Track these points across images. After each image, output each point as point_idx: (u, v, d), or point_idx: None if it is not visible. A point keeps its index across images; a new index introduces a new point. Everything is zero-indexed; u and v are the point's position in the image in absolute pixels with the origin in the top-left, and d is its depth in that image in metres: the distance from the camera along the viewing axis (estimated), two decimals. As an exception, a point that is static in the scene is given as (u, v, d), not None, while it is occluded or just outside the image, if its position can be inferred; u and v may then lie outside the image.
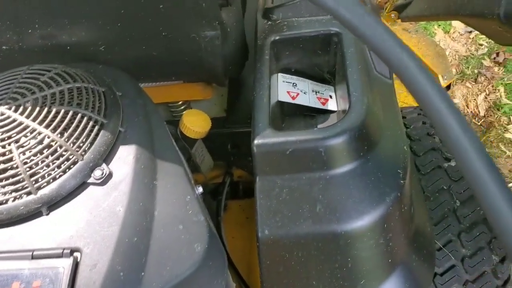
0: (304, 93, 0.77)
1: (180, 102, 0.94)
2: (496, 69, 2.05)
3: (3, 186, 0.56)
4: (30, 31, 0.71)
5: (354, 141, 0.62)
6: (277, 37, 0.76)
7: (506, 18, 0.82)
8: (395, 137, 0.68)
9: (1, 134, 0.58)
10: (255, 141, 0.62)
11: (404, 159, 0.66)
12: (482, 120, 1.88)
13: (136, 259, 0.53)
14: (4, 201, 0.55)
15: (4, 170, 0.56)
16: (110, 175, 0.58)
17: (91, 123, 0.60)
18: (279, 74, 0.78)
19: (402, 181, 0.64)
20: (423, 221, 0.77)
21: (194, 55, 0.74)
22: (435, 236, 0.83)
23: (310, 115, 0.77)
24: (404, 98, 1.43)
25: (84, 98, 0.62)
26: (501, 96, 1.94)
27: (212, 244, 0.57)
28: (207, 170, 0.90)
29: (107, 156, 0.60)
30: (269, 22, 0.80)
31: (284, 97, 0.74)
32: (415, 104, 1.31)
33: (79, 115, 0.60)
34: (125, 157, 0.60)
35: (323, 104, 0.77)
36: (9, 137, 0.57)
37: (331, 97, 0.78)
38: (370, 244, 0.63)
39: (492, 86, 1.98)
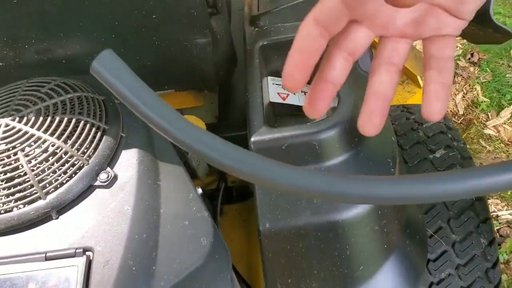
0: (294, 93, 0.80)
1: (173, 111, 0.97)
2: (471, 69, 2.12)
3: (13, 194, 0.58)
4: (26, 46, 0.73)
5: (345, 133, 0.65)
6: (265, 42, 0.80)
7: (477, 16, 0.87)
8: (383, 129, 0.71)
9: (7, 145, 0.60)
10: (252, 139, 0.65)
11: (393, 149, 0.69)
12: (462, 118, 1.94)
13: (147, 254, 0.55)
14: (14, 208, 0.57)
15: (12, 178, 0.58)
16: (115, 178, 0.60)
17: (93, 129, 0.63)
18: (269, 77, 0.81)
19: (392, 169, 0.67)
20: (414, 209, 0.80)
21: (187, 63, 0.77)
22: (426, 224, 0.87)
23: (301, 114, 0.81)
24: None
25: (85, 107, 0.65)
26: (478, 94, 2.01)
27: (216, 239, 0.60)
28: (203, 174, 0.93)
29: (111, 160, 0.62)
30: (256, 29, 0.84)
31: (275, 98, 0.78)
32: (400, 103, 1.36)
33: (82, 122, 0.62)
34: (128, 160, 0.63)
35: (312, 103, 0.80)
36: (15, 147, 0.60)
37: (319, 96, 0.81)
38: (366, 230, 0.66)
39: (469, 85, 2.05)
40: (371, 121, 0.39)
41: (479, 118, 1.92)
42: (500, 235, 1.57)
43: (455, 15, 0.38)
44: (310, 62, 0.38)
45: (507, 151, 1.79)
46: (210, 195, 1.09)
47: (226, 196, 1.12)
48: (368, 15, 0.38)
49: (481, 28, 0.94)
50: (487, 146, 1.82)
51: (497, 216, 1.61)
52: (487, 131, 1.86)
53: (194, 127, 0.33)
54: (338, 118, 0.66)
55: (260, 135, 0.65)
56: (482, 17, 0.87)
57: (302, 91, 0.83)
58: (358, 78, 0.77)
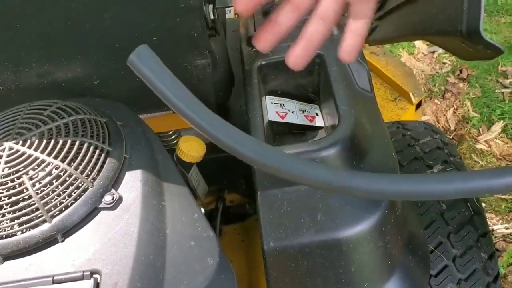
0: (292, 112, 0.81)
1: (171, 132, 0.97)
2: (461, 85, 2.16)
3: (18, 217, 0.57)
4: (27, 70, 0.74)
5: (346, 151, 0.66)
6: (263, 62, 0.81)
7: (468, 34, 0.88)
8: (383, 145, 0.73)
9: (11, 168, 0.60)
10: (254, 158, 0.65)
11: (394, 164, 0.70)
12: (454, 133, 1.96)
13: (154, 275, 0.55)
14: (19, 231, 0.57)
15: (17, 202, 0.58)
16: (120, 199, 0.60)
17: (97, 151, 0.63)
18: (267, 96, 0.82)
19: (393, 186, 0.68)
20: (415, 225, 0.81)
21: (187, 84, 0.77)
22: (426, 239, 0.87)
23: (299, 132, 0.82)
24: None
25: (88, 129, 0.65)
26: (468, 110, 2.04)
27: (222, 258, 0.60)
28: (203, 194, 0.93)
29: (115, 181, 0.62)
30: (254, 49, 0.85)
31: (273, 117, 0.79)
32: (393, 119, 1.37)
33: (85, 145, 0.62)
34: (133, 182, 0.63)
35: (311, 121, 0.81)
36: (19, 170, 0.59)
37: (317, 114, 0.82)
38: (370, 247, 0.66)
39: (459, 101, 2.08)
40: (295, 59, 0.51)
41: (471, 133, 1.94)
42: (496, 249, 1.57)
43: None
44: None
45: (499, 165, 1.82)
46: (208, 215, 1.09)
47: (224, 216, 1.12)
48: None
49: (471, 46, 0.96)
50: (480, 161, 1.84)
51: (492, 230, 1.62)
52: (479, 146, 1.89)
53: (223, 122, 0.34)
54: (339, 135, 0.66)
55: (262, 154, 0.65)
56: (473, 34, 0.89)
57: (300, 110, 0.84)
58: (357, 95, 0.78)
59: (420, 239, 0.79)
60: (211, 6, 0.73)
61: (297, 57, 0.51)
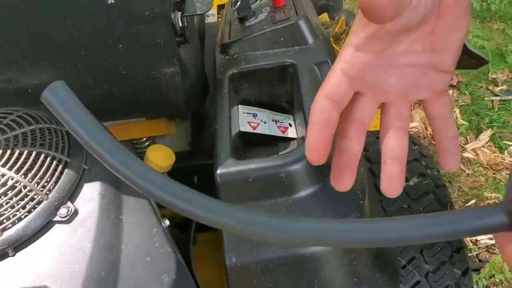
0: (264, 122, 0.80)
1: (144, 139, 0.95)
2: (450, 91, 2.14)
3: (-33, 230, 0.56)
4: (-10, 76, 0.72)
5: (313, 166, 0.65)
6: (235, 71, 0.79)
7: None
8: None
9: (-36, 178, 0.58)
10: (218, 171, 0.64)
11: (362, 180, 0.69)
12: (441, 141, 1.95)
13: (105, 293, 0.53)
14: (-32, 245, 0.55)
15: (-33, 214, 0.56)
16: (76, 213, 0.59)
17: (54, 162, 0.61)
18: (239, 106, 0.80)
19: (361, 202, 0.66)
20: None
21: (156, 92, 0.76)
22: (399, 253, 0.86)
23: (272, 143, 0.80)
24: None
25: (47, 139, 0.63)
26: (457, 117, 2.02)
27: (180, 275, 0.58)
28: (174, 203, 0.91)
29: (72, 194, 0.61)
30: (227, 57, 0.83)
31: (245, 127, 0.77)
32: (373, 129, 1.35)
33: (43, 155, 0.61)
34: (90, 194, 0.61)
35: (283, 132, 0.79)
36: (-28, 181, 0.58)
37: (290, 125, 0.81)
38: (335, 264, 0.65)
39: (448, 108, 2.06)
40: (392, 184, 0.43)
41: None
42: (480, 260, 1.56)
43: (439, 69, 0.42)
44: (328, 133, 0.41)
45: (486, 174, 1.80)
46: (183, 224, 1.07)
47: (200, 224, 1.10)
48: (368, 86, 0.43)
49: (457, 55, 0.95)
50: (466, 170, 1.82)
51: (476, 240, 1.61)
52: (466, 154, 1.87)
53: (136, 162, 0.33)
54: (305, 150, 0.65)
55: (226, 168, 0.64)
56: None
57: (273, 120, 0.82)
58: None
59: (390, 255, 0.77)
60: (179, 14, 0.71)
61: (397, 188, 0.44)
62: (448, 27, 0.40)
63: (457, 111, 2.05)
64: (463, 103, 2.08)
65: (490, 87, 2.14)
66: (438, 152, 0.46)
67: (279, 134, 0.79)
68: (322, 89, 0.42)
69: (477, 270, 1.52)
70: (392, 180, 0.43)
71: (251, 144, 0.80)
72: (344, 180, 0.44)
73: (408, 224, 0.31)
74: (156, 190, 0.32)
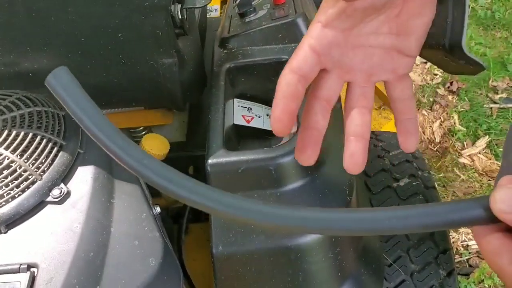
0: (259, 117, 0.81)
1: (141, 128, 0.97)
2: (450, 97, 2.16)
3: (-38, 206, 0.57)
4: (-7, 58, 0.74)
5: (302, 160, 0.66)
6: (232, 65, 0.80)
7: (450, 48, 0.88)
8: (341, 157, 0.72)
9: (-39, 156, 0.60)
10: (209, 161, 0.65)
11: (350, 176, 0.70)
12: (438, 146, 1.96)
13: (92, 273, 0.55)
14: (-38, 220, 0.57)
15: (-37, 191, 0.58)
16: (68, 194, 0.60)
17: (50, 144, 0.63)
18: (235, 99, 0.82)
19: (348, 198, 0.68)
20: (372, 237, 0.81)
21: (153, 81, 0.78)
22: (385, 252, 0.87)
23: (265, 137, 0.81)
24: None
25: (44, 121, 0.65)
26: (455, 123, 2.04)
27: (166, 259, 0.60)
28: (167, 192, 0.93)
29: (66, 176, 0.62)
30: (225, 51, 0.85)
31: (239, 120, 0.78)
32: (375, 129, 1.37)
33: (39, 137, 0.62)
34: (83, 177, 0.63)
35: (277, 127, 0.81)
36: (-31, 159, 0.59)
37: (284, 120, 0.82)
38: (319, 257, 0.66)
39: (447, 113, 2.08)
40: (354, 161, 0.45)
41: (455, 147, 1.94)
42: (470, 265, 1.58)
43: (403, 53, 0.44)
44: (293, 106, 0.42)
45: (481, 180, 1.82)
46: (176, 213, 1.09)
47: (193, 214, 1.11)
48: (335, 63, 0.44)
49: (453, 60, 0.96)
50: (461, 175, 1.84)
51: (467, 245, 1.62)
52: (462, 160, 1.89)
53: (133, 147, 0.35)
54: (294, 144, 0.66)
55: (216, 158, 0.65)
56: (455, 49, 0.89)
57: (267, 115, 0.84)
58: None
59: (376, 252, 0.79)
60: (179, 6, 0.72)
61: (359, 164, 0.46)
62: (413, 12, 0.42)
63: (456, 116, 2.06)
64: (462, 109, 2.09)
65: (490, 95, 2.15)
66: (398, 132, 0.47)
67: (273, 128, 0.80)
68: (290, 63, 0.43)
69: (467, 275, 1.54)
70: (355, 157, 0.45)
71: (245, 137, 0.82)
72: (307, 153, 0.45)
73: (386, 215, 0.32)
74: (149, 172, 0.34)
